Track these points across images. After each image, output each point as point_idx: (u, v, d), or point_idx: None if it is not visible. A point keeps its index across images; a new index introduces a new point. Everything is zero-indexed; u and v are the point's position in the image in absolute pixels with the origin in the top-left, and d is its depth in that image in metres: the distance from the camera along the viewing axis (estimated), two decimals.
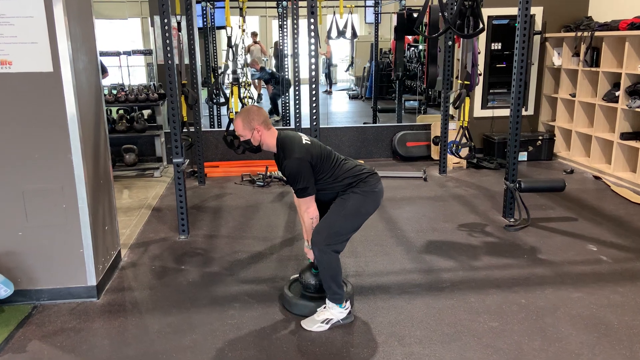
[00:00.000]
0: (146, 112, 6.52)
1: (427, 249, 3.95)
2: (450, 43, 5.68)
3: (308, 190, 2.78)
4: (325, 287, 2.89)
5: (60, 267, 3.17)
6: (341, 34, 8.43)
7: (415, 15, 7.15)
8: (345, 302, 2.91)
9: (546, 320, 2.94)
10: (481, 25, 3.96)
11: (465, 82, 4.23)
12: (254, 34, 11.81)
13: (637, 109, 5.39)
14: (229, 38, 4.83)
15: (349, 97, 12.86)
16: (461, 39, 4.37)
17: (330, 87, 13.93)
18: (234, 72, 4.73)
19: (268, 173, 5.75)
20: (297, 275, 3.36)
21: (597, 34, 5.88)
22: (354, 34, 8.60)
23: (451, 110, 6.08)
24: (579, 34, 6.16)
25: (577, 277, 3.46)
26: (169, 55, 3.97)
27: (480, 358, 2.61)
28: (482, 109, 6.88)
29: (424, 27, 6.12)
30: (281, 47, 8.51)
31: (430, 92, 9.59)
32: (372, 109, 8.69)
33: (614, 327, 2.86)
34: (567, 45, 6.52)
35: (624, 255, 3.81)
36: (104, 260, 3.39)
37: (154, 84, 6.57)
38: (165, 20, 3.92)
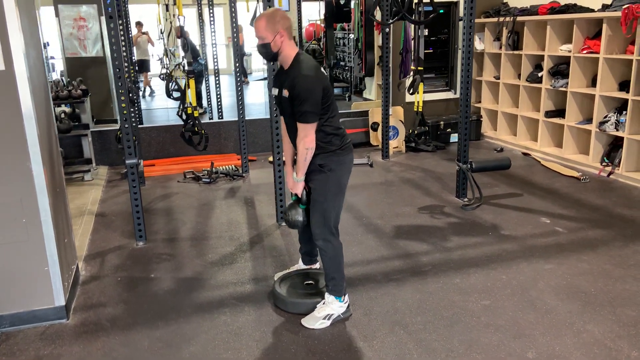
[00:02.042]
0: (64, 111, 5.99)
1: (397, 234, 4.00)
2: (387, 30, 5.74)
3: (313, 116, 2.59)
4: (328, 277, 2.82)
5: (23, 288, 2.82)
6: None
7: (342, 2, 7.16)
8: (344, 296, 2.87)
9: (531, 294, 3.09)
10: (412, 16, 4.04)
11: (419, 68, 4.30)
12: (139, 24, 11.04)
13: (561, 88, 5.80)
14: (182, 27, 4.51)
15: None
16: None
17: (246, 77, 13.62)
18: (189, 63, 4.44)
19: (214, 169, 5.51)
20: (287, 270, 3.28)
21: (518, 18, 6.23)
22: None
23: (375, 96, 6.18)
24: (501, 19, 6.50)
25: (542, 250, 3.66)
26: (114, 47, 3.64)
27: (486, 337, 2.68)
28: (410, 94, 7.06)
29: (360, 14, 6.14)
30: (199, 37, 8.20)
31: (352, 80, 9.71)
32: None
33: (592, 294, 3.06)
34: (489, 30, 6.85)
35: (575, 225, 4.09)
36: (68, 276, 3.07)
37: (64, 80, 6.06)
38: (110, 10, 3.58)
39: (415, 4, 4.22)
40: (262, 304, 3.05)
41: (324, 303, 2.86)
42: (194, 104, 4.72)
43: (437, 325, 2.79)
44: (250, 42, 13.76)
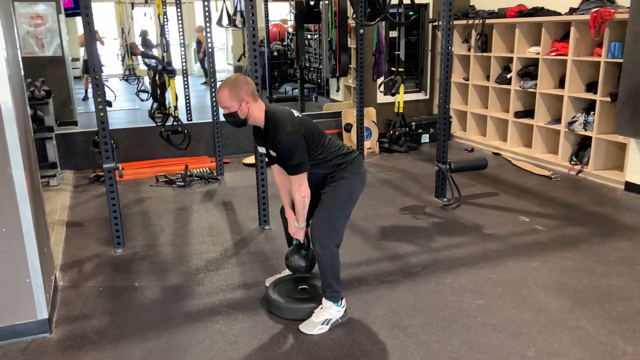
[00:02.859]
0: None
1: (382, 235, 3.99)
2: (362, 32, 5.74)
3: (303, 166, 2.62)
4: (325, 284, 2.77)
5: (3, 302, 2.65)
6: (232, 21, 8.11)
7: (312, 3, 7.12)
8: (342, 300, 2.83)
9: (522, 292, 3.13)
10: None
11: (400, 69, 4.31)
12: None
13: (530, 89, 5.95)
14: (162, 26, 4.35)
15: None
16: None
17: (207, 77, 13.38)
18: (169, 63, 4.29)
19: (188, 172, 5.36)
20: (277, 275, 3.21)
21: (487, 21, 6.35)
22: (244, 22, 8.34)
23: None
24: (470, 21, 6.61)
25: (526, 248, 3.73)
26: (90, 47, 3.48)
27: (485, 337, 2.69)
28: (384, 95, 7.10)
29: (333, 15, 6.11)
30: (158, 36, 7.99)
31: (320, 80, 9.73)
32: (267, 99, 8.54)
33: (580, 291, 3.13)
34: (457, 33, 6.96)
35: (553, 223, 4.19)
36: (48, 288, 2.91)
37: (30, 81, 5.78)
38: (87, 6, 3.41)
39: (395, 5, 4.22)
40: (256, 311, 2.97)
41: (321, 308, 2.81)
42: (174, 103, 4.57)
43: (435, 327, 2.79)
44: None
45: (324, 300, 2.81)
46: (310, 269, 2.92)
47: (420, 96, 7.29)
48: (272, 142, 2.65)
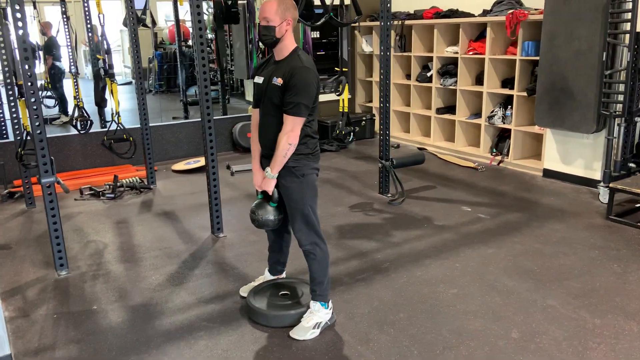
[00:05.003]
0: None
1: (341, 234, 4.01)
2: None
3: (304, 111, 2.50)
4: (316, 283, 2.73)
5: None
6: (140, 21, 7.70)
7: (230, 2, 6.95)
8: (329, 302, 2.80)
9: (488, 277, 3.30)
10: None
11: (344, 69, 4.35)
12: None
13: (450, 87, 6.28)
14: (102, 27, 3.99)
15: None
16: None
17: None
18: (110, 66, 3.95)
19: (118, 182, 5.01)
20: (252, 284, 3.10)
21: (406, 22, 6.61)
22: (154, 22, 8.00)
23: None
24: (389, 22, 6.81)
25: (478, 236, 3.93)
26: (24, 50, 3.13)
27: (469, 324, 2.80)
28: (337, 95, 7.13)
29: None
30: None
31: (232, 82, 9.58)
32: (181, 102, 8.22)
33: (537, 272, 3.36)
34: (377, 33, 7.16)
35: (493, 210, 4.45)
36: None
37: None
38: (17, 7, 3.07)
39: (341, 6, 4.29)
40: (238, 322, 2.85)
41: (310, 312, 2.76)
42: (117, 109, 4.23)
43: (420, 319, 2.85)
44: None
45: (312, 303, 2.76)
46: (278, 224, 2.76)
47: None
48: (288, 71, 2.49)
